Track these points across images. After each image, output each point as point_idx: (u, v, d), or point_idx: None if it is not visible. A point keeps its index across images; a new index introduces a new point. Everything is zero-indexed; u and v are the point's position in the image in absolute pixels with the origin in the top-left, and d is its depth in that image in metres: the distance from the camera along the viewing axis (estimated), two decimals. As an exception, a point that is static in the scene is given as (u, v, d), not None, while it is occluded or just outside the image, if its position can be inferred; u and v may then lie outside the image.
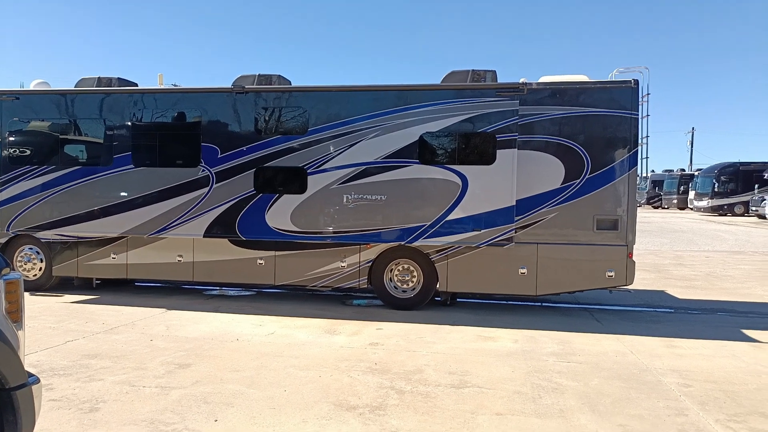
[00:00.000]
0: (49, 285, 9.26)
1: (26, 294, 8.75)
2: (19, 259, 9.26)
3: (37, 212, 8.95)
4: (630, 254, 7.64)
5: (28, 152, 9.08)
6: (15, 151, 9.07)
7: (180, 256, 8.73)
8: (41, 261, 9.23)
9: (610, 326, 7.31)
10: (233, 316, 7.59)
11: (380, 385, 4.95)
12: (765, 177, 30.40)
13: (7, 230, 9.06)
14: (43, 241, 9.14)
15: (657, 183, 47.59)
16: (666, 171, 49.37)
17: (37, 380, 2.63)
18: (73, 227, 8.89)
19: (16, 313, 2.75)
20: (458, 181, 7.82)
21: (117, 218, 8.71)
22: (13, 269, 9.06)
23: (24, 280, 9.55)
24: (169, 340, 6.32)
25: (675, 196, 44.01)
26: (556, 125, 7.72)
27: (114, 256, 8.94)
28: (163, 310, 7.93)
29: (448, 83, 8.10)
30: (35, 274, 9.25)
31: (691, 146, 55.63)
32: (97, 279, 9.44)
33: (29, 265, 9.25)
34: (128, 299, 8.65)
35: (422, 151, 7.95)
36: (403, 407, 4.44)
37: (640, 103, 7.69)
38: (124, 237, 8.83)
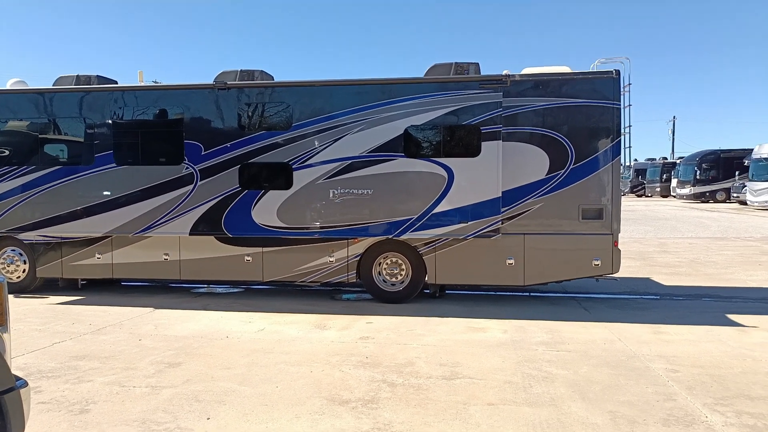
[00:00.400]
0: (34, 287, 9.14)
1: (10, 296, 8.65)
2: (1, 261, 9.12)
3: (18, 213, 8.81)
4: (615, 242, 7.72)
5: (7, 152, 8.92)
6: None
7: (166, 254, 8.65)
8: (24, 263, 9.09)
9: (597, 314, 7.39)
10: (222, 314, 7.55)
11: (372, 378, 4.96)
12: (745, 164, 30.82)
13: (-12, 232, 8.90)
14: (25, 242, 9.00)
15: (640, 172, 48.11)
16: (649, 159, 49.89)
17: (25, 384, 2.59)
18: (56, 228, 8.76)
19: (0, 316, 2.70)
20: (444, 173, 7.83)
21: (101, 218, 8.60)
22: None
23: (8, 282, 9.43)
24: (158, 340, 6.27)
25: (658, 185, 44.55)
26: (540, 116, 7.76)
27: (99, 256, 8.84)
28: (151, 309, 7.86)
29: (432, 76, 8.09)
30: (19, 276, 9.11)
31: (673, 135, 56.41)
32: (83, 279, 9.32)
33: (12, 267, 9.10)
34: (115, 299, 8.56)
35: (407, 145, 7.94)
36: (396, 400, 4.46)
37: (622, 93, 7.76)
38: (109, 236, 8.72)
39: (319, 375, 5.06)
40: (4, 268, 9.09)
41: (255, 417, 4.15)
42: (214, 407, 4.33)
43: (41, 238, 8.91)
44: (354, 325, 6.90)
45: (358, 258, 8.24)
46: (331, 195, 8.03)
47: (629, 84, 8.04)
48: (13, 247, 9.10)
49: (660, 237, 16.74)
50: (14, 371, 5.06)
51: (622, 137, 7.79)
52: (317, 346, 6.01)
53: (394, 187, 7.93)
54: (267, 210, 8.19)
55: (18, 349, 5.85)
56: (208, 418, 4.12)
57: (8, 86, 9.17)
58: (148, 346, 6.00)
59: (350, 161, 7.99)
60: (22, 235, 8.93)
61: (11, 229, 8.87)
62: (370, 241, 8.18)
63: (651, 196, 45.18)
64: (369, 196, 7.97)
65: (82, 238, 8.82)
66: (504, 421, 4.04)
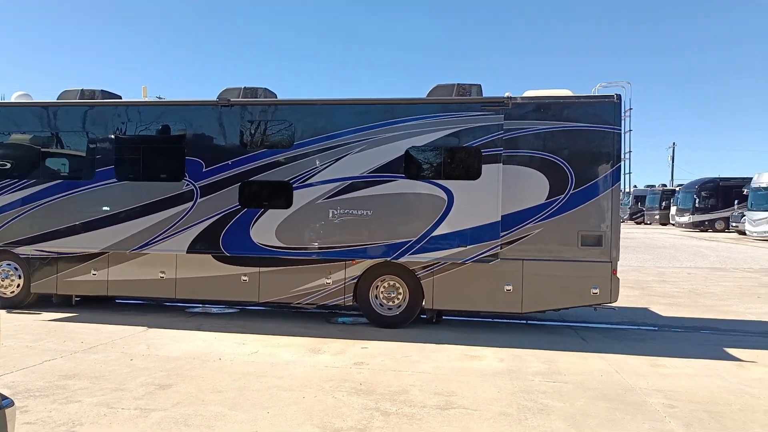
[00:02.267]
0: (28, 302, 9.06)
1: (3, 312, 8.56)
2: (-4, 275, 9.05)
3: (16, 227, 8.78)
4: (614, 271, 7.65)
5: (9, 165, 8.92)
6: (-6, 165, 8.90)
7: (162, 272, 8.60)
8: (19, 277, 9.03)
9: (595, 344, 7.32)
10: (216, 335, 7.47)
11: (365, 406, 4.88)
12: (744, 192, 30.82)
13: (-15, 246, 8.85)
14: (21, 256, 8.95)
15: (639, 198, 48.11)
16: (648, 186, 49.94)
17: (11, 403, 2.53)
18: (53, 242, 8.72)
19: None
20: (444, 196, 7.81)
21: (98, 233, 8.56)
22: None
23: (1, 297, 9.36)
24: (150, 360, 6.19)
25: (657, 212, 44.48)
26: (541, 140, 7.75)
27: (94, 272, 8.78)
28: (144, 328, 7.78)
29: (434, 97, 8.12)
30: (13, 291, 9.04)
31: (672, 161, 56.41)
32: (77, 296, 9.25)
33: (7, 281, 9.04)
34: (108, 317, 8.48)
35: (408, 166, 7.94)
36: (389, 430, 4.38)
37: (622, 118, 7.75)
38: (105, 253, 8.68)
39: (312, 401, 4.98)
40: (-1, 282, 9.03)
41: (244, 444, 4.07)
42: (203, 433, 4.25)
43: (38, 252, 8.86)
44: (349, 350, 6.82)
45: (355, 280, 8.18)
46: (330, 215, 8.00)
47: (630, 109, 8.03)
48: (8, 261, 9.04)
49: (659, 266, 16.68)
50: (2, 389, 4.98)
51: (623, 163, 7.76)
52: (311, 370, 5.93)
53: (393, 208, 7.91)
54: (266, 229, 8.15)
55: (7, 366, 5.78)
56: (197, 445, 4.04)
57: (13, 99, 9.22)
58: (139, 367, 5.92)
59: (351, 181, 7.97)
60: (19, 249, 8.88)
61: (8, 243, 8.83)
62: (368, 263, 8.13)
63: (650, 224, 45.12)
64: (368, 217, 7.94)
65: (79, 254, 8.77)
66: (498, 455, 3.95)
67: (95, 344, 6.84)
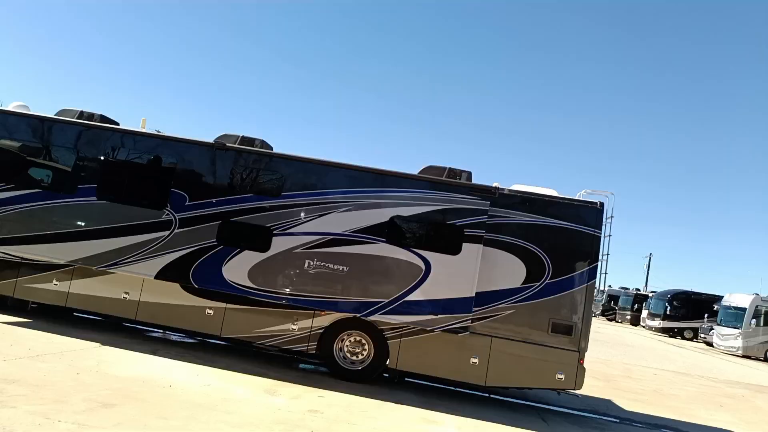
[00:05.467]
0: (-20, 302, 8.69)
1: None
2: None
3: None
4: (582, 360, 7.67)
5: None
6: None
7: (126, 293, 8.37)
8: (-24, 277, 8.69)
9: (555, 427, 7.17)
10: (171, 361, 7.19)
11: (314, 453, 4.67)
12: (715, 308, 31.55)
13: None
14: (-17, 256, 8.67)
15: (613, 297, 48.69)
16: (622, 288, 50.66)
17: None
18: (19, 247, 8.50)
19: None
20: (422, 265, 7.87)
21: (68, 245, 8.38)
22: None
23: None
24: (98, 377, 5.91)
25: (629, 313, 44.95)
26: (523, 230, 7.95)
27: (56, 283, 8.51)
28: (98, 344, 7.48)
29: (426, 175, 8.35)
30: (-34, 289, 8.67)
31: (648, 269, 57.42)
32: (33, 303, 8.92)
33: (-38, 279, 8.69)
34: (63, 328, 8.15)
35: (391, 232, 8.02)
36: (335, 479, 4.17)
37: (603, 223, 8.08)
38: (71, 266, 8.46)
39: (259, 441, 4.76)
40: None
41: (181, 473, 3.84)
42: (140, 455, 4.01)
43: (1, 254, 8.60)
44: (305, 396, 6.59)
45: (321, 330, 8.03)
46: (306, 265, 7.97)
47: (612, 216, 8.41)
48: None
49: (626, 362, 16.62)
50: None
51: (600, 263, 8.00)
52: (263, 410, 5.70)
53: (370, 268, 7.91)
54: (239, 268, 8.06)
55: (-55, 362, 5.47)
56: (131, 466, 3.81)
57: (10, 108, 9.25)
58: (84, 381, 5.65)
59: (332, 237, 8.01)
60: (-19, 249, 8.61)
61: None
62: (337, 316, 8.02)
63: (621, 322, 45.38)
64: (344, 272, 7.92)
65: (44, 263, 8.54)
66: None
67: (43, 353, 6.53)
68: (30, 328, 7.91)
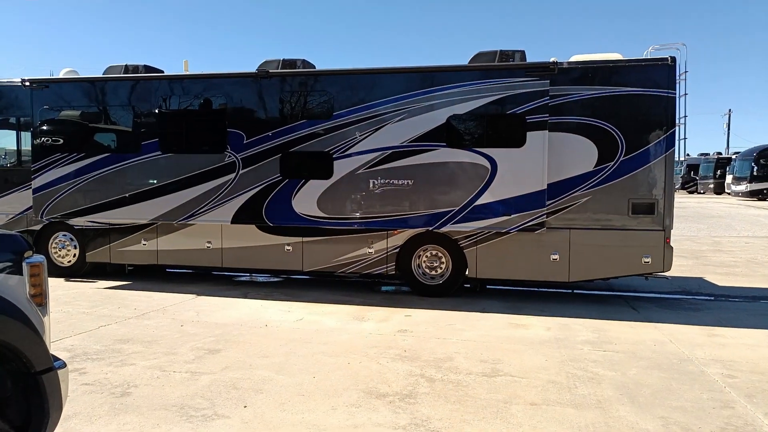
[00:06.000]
0: (84, 271, 9.43)
1: (61, 280, 8.96)
2: (54, 245, 9.45)
3: (69, 199, 9.09)
4: (668, 239, 7.36)
5: (59, 140, 9.19)
6: (46, 139, 9.19)
7: (209, 242, 8.77)
8: (75, 248, 9.39)
9: (646, 314, 7.07)
10: (262, 302, 7.59)
11: (410, 372, 4.86)
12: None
13: (41, 217, 9.23)
14: (76, 228, 9.29)
15: (692, 167, 46.16)
16: (702, 155, 47.79)
17: (64, 365, 2.60)
18: (104, 214, 9.00)
19: (40, 297, 2.72)
20: (487, 164, 7.63)
21: (146, 205, 8.78)
22: (48, 255, 9.12)
23: (59, 266, 9.81)
24: (199, 326, 6.35)
25: (711, 181, 42.57)
26: (589, 106, 7.45)
27: (145, 243, 9.04)
28: (194, 296, 7.99)
29: (476, 64, 7.89)
30: (70, 261, 9.43)
31: (728, 128, 53.66)
32: (130, 265, 9.58)
33: (63, 251, 9.42)
34: (159, 285, 8.74)
35: (449, 134, 7.77)
36: (434, 396, 4.35)
37: (677, 81, 7.39)
38: (154, 224, 8.90)
39: (357, 367, 5.00)
40: (57, 252, 9.42)
41: (291, 407, 4.12)
42: (251, 395, 4.32)
43: (90, 223, 9.17)
44: (392, 318, 6.82)
45: (397, 250, 8.14)
46: (371, 185, 7.95)
47: (685, 72, 7.68)
48: (64, 232, 9.41)
49: (714, 235, 15.98)
50: (61, 352, 5.20)
51: (677, 128, 7.43)
52: (355, 337, 5.96)
53: (435, 177, 7.78)
54: (307, 199, 8.17)
55: (66, 331, 6.03)
56: (245, 406, 4.12)
57: (60, 75, 9.45)
58: (189, 332, 6.08)
59: (391, 151, 7.87)
60: (73, 221, 9.22)
61: (62, 215, 9.16)
62: (410, 233, 8.07)
63: (703, 193, 43.28)
64: (409, 186, 7.84)
65: (129, 225, 9.03)
66: (547, 423, 3.87)
67: (147, 311, 7.06)
68: (131, 290, 8.53)
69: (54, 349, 3.95)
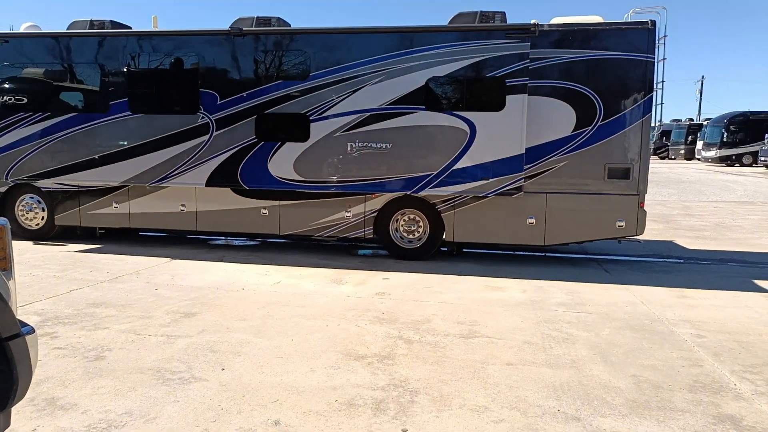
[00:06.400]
0: (52, 234, 9.18)
1: (30, 243, 8.72)
2: (20, 207, 9.15)
3: (35, 160, 8.77)
4: (642, 204, 7.48)
5: (23, 99, 8.80)
6: (8, 98, 8.79)
7: (183, 205, 8.60)
8: (43, 210, 9.11)
9: (619, 276, 7.22)
10: (238, 266, 7.52)
11: (388, 334, 4.89)
12: (775, 126, 29.86)
13: (6, 179, 8.91)
14: (43, 190, 8.99)
15: (665, 133, 46.84)
16: (674, 121, 48.51)
17: (32, 330, 2.51)
18: (72, 176, 8.72)
19: (3, 261, 2.62)
20: (466, 128, 7.57)
21: (116, 167, 8.53)
22: (15, 217, 8.80)
23: (27, 229, 9.54)
24: (174, 290, 6.26)
25: (682, 147, 43.40)
26: (568, 70, 7.40)
27: (116, 206, 8.81)
28: (168, 259, 7.86)
29: (455, 24, 7.73)
30: (38, 224, 9.16)
31: (701, 95, 54.44)
32: (101, 228, 9.36)
33: (31, 214, 9.14)
34: (132, 249, 8.58)
35: (428, 97, 7.67)
36: (412, 357, 4.38)
37: (656, 45, 7.36)
38: (126, 186, 8.67)
39: (335, 329, 5.00)
40: (24, 214, 9.14)
41: (270, 369, 4.11)
42: (229, 358, 4.30)
43: (58, 185, 8.89)
44: (370, 281, 6.83)
45: (375, 214, 8.11)
46: (348, 148, 7.83)
47: (665, 36, 7.64)
48: (31, 195, 9.10)
49: (684, 200, 16.33)
50: (31, 316, 5.08)
51: (654, 93, 7.44)
52: (333, 300, 5.95)
53: (413, 141, 7.70)
54: (284, 162, 8.03)
55: (35, 295, 5.89)
56: (223, 369, 4.09)
57: (21, 30, 8.98)
58: (164, 296, 6.00)
59: (369, 114, 7.75)
60: (40, 183, 8.92)
61: (29, 176, 8.85)
62: (387, 196, 8.02)
63: (674, 159, 44.12)
64: (387, 150, 7.76)
65: (99, 187, 8.78)
66: (523, 382, 3.94)
67: (120, 274, 6.93)
68: (103, 253, 8.35)
69: (23, 314, 3.83)
